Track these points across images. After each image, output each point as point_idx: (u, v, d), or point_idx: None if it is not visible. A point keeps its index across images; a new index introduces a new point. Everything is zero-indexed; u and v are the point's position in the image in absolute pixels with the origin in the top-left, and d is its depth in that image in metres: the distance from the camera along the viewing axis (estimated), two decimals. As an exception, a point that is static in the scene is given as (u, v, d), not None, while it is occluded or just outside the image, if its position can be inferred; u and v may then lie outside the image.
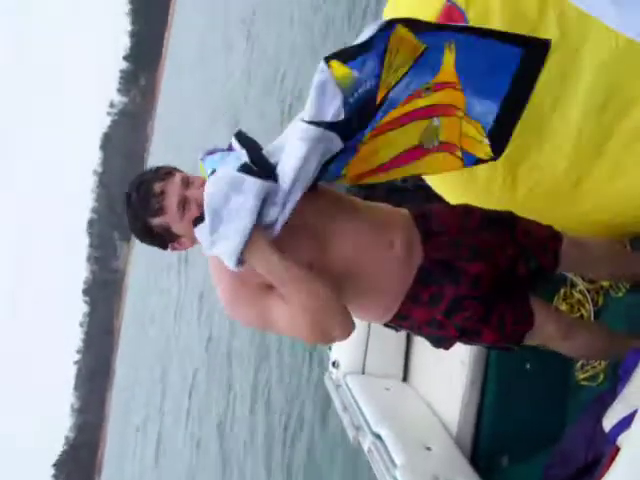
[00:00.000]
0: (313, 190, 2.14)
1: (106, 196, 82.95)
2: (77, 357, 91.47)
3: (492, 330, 2.35)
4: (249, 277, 2.12)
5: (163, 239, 2.20)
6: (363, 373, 3.66)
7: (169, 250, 2.28)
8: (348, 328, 2.13)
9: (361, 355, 3.66)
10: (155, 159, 48.37)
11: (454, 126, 2.28)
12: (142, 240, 2.24)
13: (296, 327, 2.10)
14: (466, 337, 2.41)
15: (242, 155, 2.13)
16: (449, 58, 2.16)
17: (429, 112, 2.23)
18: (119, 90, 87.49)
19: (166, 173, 2.17)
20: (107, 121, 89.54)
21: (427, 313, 2.34)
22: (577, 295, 3.17)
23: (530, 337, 2.43)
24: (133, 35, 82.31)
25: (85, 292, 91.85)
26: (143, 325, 30.40)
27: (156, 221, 2.14)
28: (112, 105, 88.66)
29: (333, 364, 3.70)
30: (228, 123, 17.10)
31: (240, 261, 2.03)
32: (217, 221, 2.02)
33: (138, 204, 2.14)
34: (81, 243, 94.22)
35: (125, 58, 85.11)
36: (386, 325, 2.47)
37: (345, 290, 2.21)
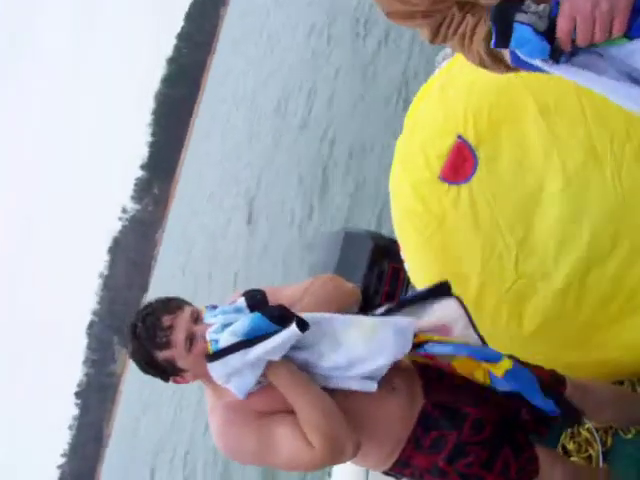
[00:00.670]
0: None
1: (109, 300, 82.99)
2: (61, 461, 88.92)
3: (495, 477, 2.28)
4: (247, 406, 2.12)
5: (166, 372, 2.18)
6: (362, 497, 3.55)
7: (170, 382, 2.24)
8: (358, 447, 2.10)
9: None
10: (162, 267, 48.72)
11: (469, 367, 2.33)
12: (144, 371, 2.20)
13: (304, 448, 2.05)
14: None
15: (244, 310, 2.17)
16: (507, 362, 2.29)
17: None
18: (132, 197, 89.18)
19: (175, 307, 2.16)
20: (118, 226, 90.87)
21: (429, 459, 2.28)
22: (585, 434, 3.11)
23: None
24: (151, 145, 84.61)
25: (77, 395, 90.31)
26: (134, 433, 29.73)
27: (162, 355, 2.11)
28: (124, 211, 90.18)
29: (331, 491, 3.62)
30: (237, 233, 17.34)
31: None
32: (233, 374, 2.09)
33: (144, 336, 2.10)
34: (79, 344, 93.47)
35: (142, 167, 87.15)
36: (386, 473, 2.39)
37: None
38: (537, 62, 1.64)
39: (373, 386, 2.17)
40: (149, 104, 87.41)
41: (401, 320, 2.19)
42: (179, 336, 2.09)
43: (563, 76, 1.66)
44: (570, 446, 3.15)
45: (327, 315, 2.18)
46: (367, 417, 2.21)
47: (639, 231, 2.45)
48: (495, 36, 1.60)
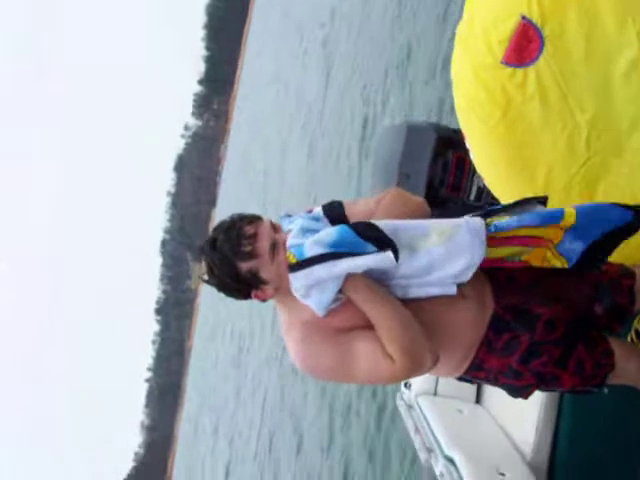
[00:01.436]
0: None
1: (179, 217, 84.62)
2: (148, 375, 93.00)
3: (571, 374, 2.29)
4: (324, 322, 2.12)
5: (248, 286, 2.12)
6: (435, 394, 3.61)
7: (251, 298, 2.18)
8: (437, 358, 2.13)
9: (434, 376, 3.62)
10: (227, 182, 49.18)
11: (540, 254, 2.29)
12: (224, 288, 2.14)
13: (384, 362, 2.07)
14: (544, 384, 2.34)
15: (322, 219, 2.20)
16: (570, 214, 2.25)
17: (529, 242, 2.25)
18: (193, 113, 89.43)
19: (254, 217, 2.12)
20: (181, 143, 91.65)
21: (502, 361, 2.29)
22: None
23: (611, 378, 2.35)
24: (207, 60, 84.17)
25: (157, 311, 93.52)
26: (214, 343, 30.76)
27: (246, 265, 2.06)
28: (186, 128, 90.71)
29: (405, 385, 3.68)
30: (301, 141, 17.31)
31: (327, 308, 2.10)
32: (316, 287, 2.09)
33: (227, 247, 2.05)
34: (155, 262, 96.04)
35: (199, 82, 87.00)
36: (460, 378, 2.42)
37: None
38: None
39: (453, 289, 2.16)
40: (201, 18, 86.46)
41: (473, 220, 2.15)
42: (264, 243, 2.07)
43: None
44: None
45: (403, 223, 2.15)
46: (439, 326, 2.21)
47: None
48: None
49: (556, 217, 2.21)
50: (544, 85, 2.56)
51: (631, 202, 2.62)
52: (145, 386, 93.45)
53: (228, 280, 2.10)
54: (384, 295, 2.11)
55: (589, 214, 2.26)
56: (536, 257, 2.28)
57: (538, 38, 2.49)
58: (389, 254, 2.04)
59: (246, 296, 2.17)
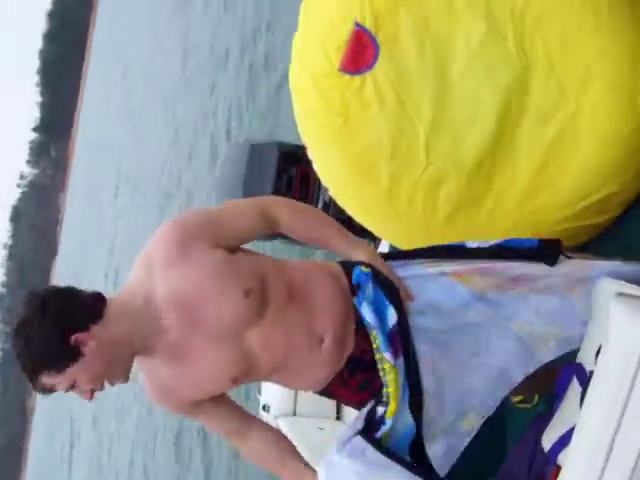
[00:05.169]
0: None
1: (17, 270, 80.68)
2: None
3: None
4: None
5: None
6: (295, 415, 3.55)
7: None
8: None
9: (292, 397, 3.56)
10: (67, 232, 47.44)
11: None
12: None
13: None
14: None
15: None
16: None
17: None
18: (29, 162, 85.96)
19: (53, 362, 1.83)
20: (17, 193, 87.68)
21: (357, 396, 2.13)
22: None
23: None
24: (43, 106, 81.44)
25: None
26: (58, 400, 29.31)
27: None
28: (22, 177, 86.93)
29: (264, 408, 3.60)
30: (135, 190, 16.99)
31: None
32: None
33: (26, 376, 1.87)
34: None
35: (34, 129, 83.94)
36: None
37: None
38: None
39: None
40: (34, 63, 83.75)
41: None
42: (61, 387, 1.87)
43: None
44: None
45: None
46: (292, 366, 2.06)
47: (543, 98, 2.44)
48: None
49: None
50: (381, 92, 2.58)
51: (469, 206, 2.70)
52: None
53: None
54: None
55: None
56: None
57: (372, 44, 2.52)
58: None
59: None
